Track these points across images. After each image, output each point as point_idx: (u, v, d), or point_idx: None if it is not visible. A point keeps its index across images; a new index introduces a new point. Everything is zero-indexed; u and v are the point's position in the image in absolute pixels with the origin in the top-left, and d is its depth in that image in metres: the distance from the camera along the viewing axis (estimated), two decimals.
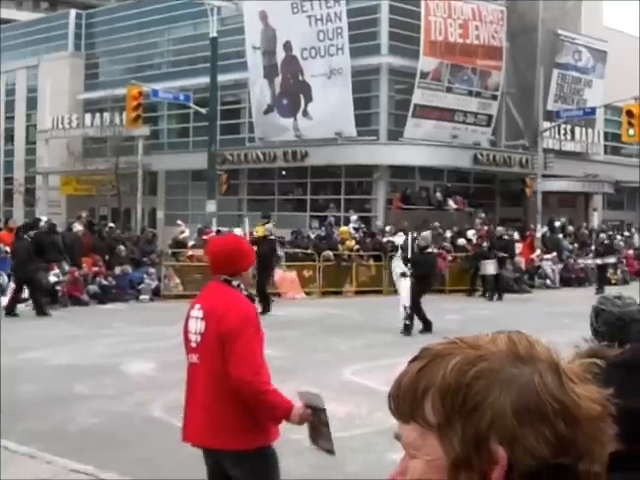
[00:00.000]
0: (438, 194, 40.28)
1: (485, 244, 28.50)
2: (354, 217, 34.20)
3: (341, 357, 14.56)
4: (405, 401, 1.34)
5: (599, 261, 31.21)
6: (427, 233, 21.27)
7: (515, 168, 41.52)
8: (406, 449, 1.35)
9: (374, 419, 9.80)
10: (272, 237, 24.50)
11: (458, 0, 39.87)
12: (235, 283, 5.05)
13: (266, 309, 21.66)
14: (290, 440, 9.11)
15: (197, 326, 4.96)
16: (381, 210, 39.86)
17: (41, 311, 21.21)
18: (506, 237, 30.05)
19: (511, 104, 43.00)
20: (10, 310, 21.02)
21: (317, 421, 4.73)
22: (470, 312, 22.79)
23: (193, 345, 4.99)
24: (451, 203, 39.74)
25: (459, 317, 21.23)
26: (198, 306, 5.05)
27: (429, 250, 20.30)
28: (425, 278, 19.30)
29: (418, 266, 18.97)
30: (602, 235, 34.40)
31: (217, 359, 4.79)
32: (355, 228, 31.61)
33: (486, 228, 32.42)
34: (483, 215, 37.08)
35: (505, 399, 1.27)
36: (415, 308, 18.88)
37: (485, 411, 1.27)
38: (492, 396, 1.27)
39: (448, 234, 32.58)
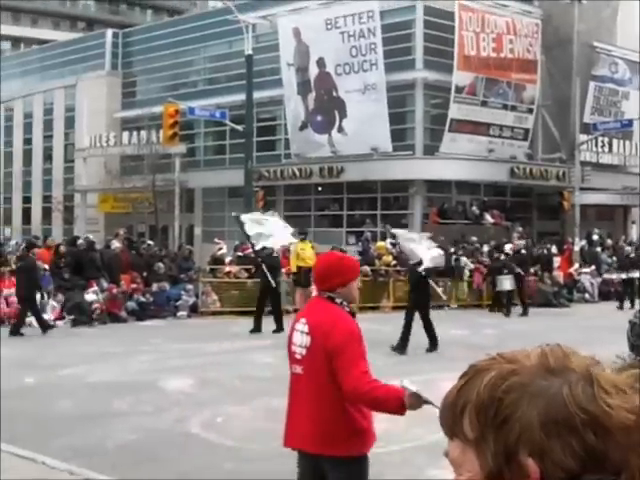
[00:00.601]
0: (475, 208, 40.13)
1: (502, 258, 28.02)
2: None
3: (378, 372, 14.39)
4: (448, 418, 1.37)
5: (624, 275, 30.64)
6: None
7: (552, 181, 41.28)
8: (452, 465, 1.38)
9: (412, 435, 9.74)
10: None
11: (492, 14, 39.81)
12: (338, 300, 5.26)
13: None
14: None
15: (302, 340, 5.23)
16: (418, 225, 39.73)
17: (45, 327, 20.80)
18: (524, 251, 29.38)
19: (547, 117, 42.82)
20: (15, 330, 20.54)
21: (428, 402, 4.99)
22: (507, 327, 22.64)
23: (298, 357, 5.27)
24: (488, 217, 39.58)
25: (496, 332, 21.08)
26: (303, 320, 5.30)
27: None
28: (423, 290, 18.40)
29: (414, 279, 18.48)
30: (627, 248, 33.87)
31: (322, 371, 5.09)
32: (392, 243, 31.50)
33: (523, 242, 32.19)
34: (520, 229, 36.88)
35: (532, 412, 1.28)
36: (426, 321, 18.05)
37: (514, 424, 1.28)
38: (521, 409, 1.29)
39: (485, 248, 32.40)
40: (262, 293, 22.29)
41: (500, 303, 27.48)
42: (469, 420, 1.33)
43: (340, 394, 5.05)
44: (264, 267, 22.01)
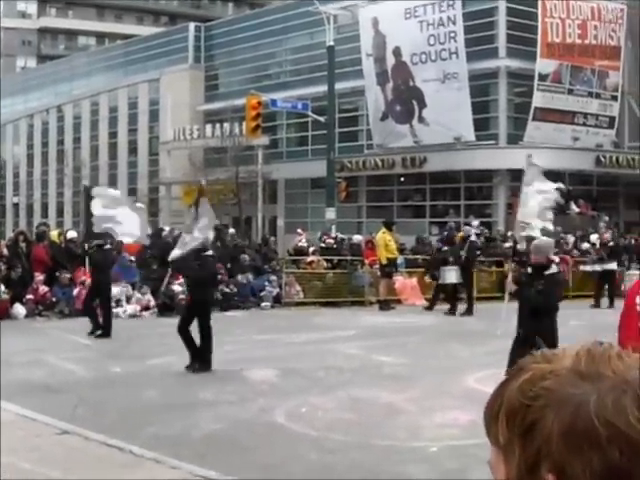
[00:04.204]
0: (559, 198, 39.56)
1: (446, 248, 25.16)
2: (475, 222, 33.77)
3: (463, 364, 14.39)
4: (485, 421, 1.28)
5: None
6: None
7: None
8: (491, 471, 1.29)
9: None
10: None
11: (577, 0, 39.16)
12: None
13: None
14: (416, 447, 9.08)
15: None
16: (502, 215, 39.38)
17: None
18: (473, 238, 26.04)
19: (634, 104, 41.98)
20: None
21: None
22: (594, 318, 22.23)
23: None
24: (573, 207, 39.00)
25: (582, 323, 20.69)
26: None
27: (208, 253, 15.02)
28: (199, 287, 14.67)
29: (188, 271, 14.98)
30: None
31: None
32: (477, 234, 31.19)
33: (610, 232, 31.57)
34: (607, 218, 36.24)
35: (555, 422, 1.15)
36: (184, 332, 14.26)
37: (536, 434, 1.17)
38: (545, 418, 1.16)
39: (571, 239, 31.91)
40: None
41: (440, 298, 24.61)
42: (501, 425, 1.23)
43: None
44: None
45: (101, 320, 18.45)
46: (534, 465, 1.17)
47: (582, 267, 29.29)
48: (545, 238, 12.12)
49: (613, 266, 26.32)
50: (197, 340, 14.30)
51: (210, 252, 14.85)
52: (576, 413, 1.14)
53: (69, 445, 9.10)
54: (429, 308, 24.68)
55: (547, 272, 10.11)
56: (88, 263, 19.72)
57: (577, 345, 1.23)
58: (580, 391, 1.16)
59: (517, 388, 1.21)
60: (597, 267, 27.20)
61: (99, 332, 18.15)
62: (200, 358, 13.97)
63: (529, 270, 10.49)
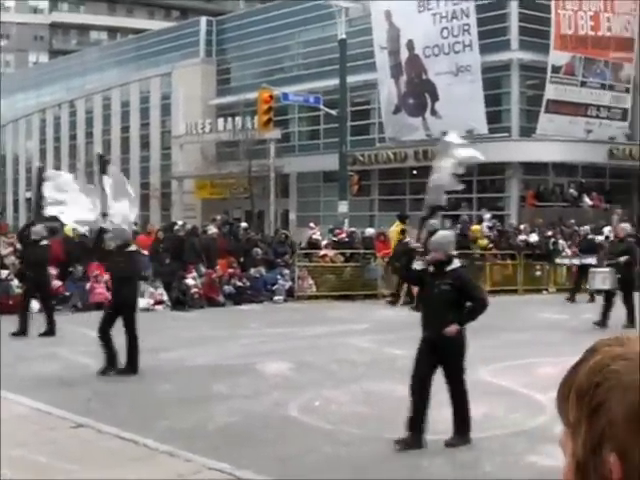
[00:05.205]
0: (572, 190, 39.49)
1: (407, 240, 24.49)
2: (487, 215, 33.77)
3: (475, 357, 14.34)
4: (558, 400, 1.31)
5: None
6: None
7: None
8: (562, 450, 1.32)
9: (511, 420, 9.66)
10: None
11: None
12: None
13: None
14: (429, 440, 9.09)
15: None
16: (514, 208, 39.30)
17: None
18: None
19: None
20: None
21: None
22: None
23: None
24: (586, 199, 38.90)
25: (597, 317, 20.62)
26: None
27: (132, 248, 14.19)
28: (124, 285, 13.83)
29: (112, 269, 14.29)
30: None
31: None
32: (489, 227, 31.19)
33: (622, 225, 31.36)
34: (620, 211, 36.10)
35: (619, 405, 1.18)
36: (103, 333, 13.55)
37: (602, 415, 1.20)
38: (610, 401, 1.19)
39: (583, 231, 31.78)
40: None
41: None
42: (571, 405, 1.26)
43: None
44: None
45: (46, 319, 17.65)
46: (598, 445, 1.20)
47: (559, 261, 28.72)
48: (444, 232, 10.91)
49: (591, 260, 25.17)
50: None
51: (134, 247, 14.19)
52: None
53: (84, 438, 9.15)
54: (393, 302, 24.10)
55: (449, 268, 9.41)
56: (24, 259, 18.98)
57: None
58: None
59: (587, 370, 1.24)
60: (575, 261, 26.76)
61: (43, 331, 17.29)
62: (128, 359, 13.38)
63: (430, 269, 9.60)
